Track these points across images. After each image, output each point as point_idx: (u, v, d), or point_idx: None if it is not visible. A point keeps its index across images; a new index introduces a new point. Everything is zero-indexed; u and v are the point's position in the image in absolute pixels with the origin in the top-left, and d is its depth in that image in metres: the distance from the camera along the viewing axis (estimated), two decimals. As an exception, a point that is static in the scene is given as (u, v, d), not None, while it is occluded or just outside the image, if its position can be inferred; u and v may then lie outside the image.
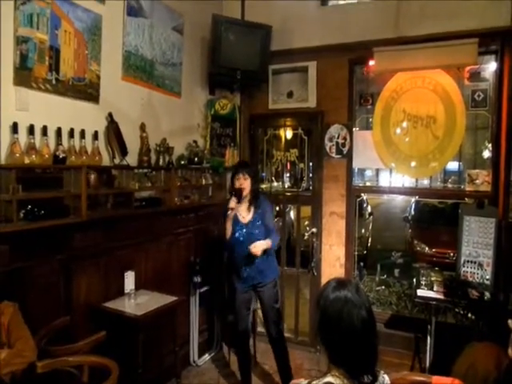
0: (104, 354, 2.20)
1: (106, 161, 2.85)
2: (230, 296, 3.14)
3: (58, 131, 2.46)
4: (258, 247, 2.83)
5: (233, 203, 2.84)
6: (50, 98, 2.48)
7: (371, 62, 3.60)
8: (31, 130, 2.31)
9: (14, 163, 2.20)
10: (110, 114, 2.86)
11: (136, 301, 2.87)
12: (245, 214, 3.03)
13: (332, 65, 3.89)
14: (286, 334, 3.67)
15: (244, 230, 2.99)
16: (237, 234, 2.97)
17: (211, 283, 3.82)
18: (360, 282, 5.06)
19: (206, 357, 3.86)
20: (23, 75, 2.30)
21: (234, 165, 3.22)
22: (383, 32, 3.57)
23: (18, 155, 2.21)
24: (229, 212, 2.87)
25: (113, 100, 2.93)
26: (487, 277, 3.09)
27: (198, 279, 3.60)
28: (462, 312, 3.24)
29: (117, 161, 2.94)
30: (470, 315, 3.25)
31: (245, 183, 2.94)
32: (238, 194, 2.88)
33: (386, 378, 1.46)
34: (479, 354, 2.22)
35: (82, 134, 2.63)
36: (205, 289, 3.75)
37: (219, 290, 3.94)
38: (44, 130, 2.38)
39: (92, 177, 2.62)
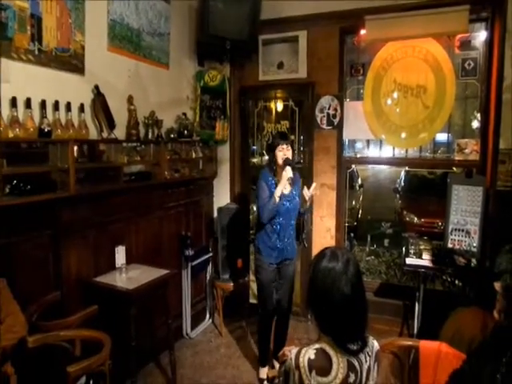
0: (96, 329, 2.21)
1: (93, 134, 2.79)
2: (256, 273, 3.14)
3: (43, 104, 2.40)
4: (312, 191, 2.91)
5: (291, 172, 2.83)
6: (33, 70, 2.39)
7: (362, 31, 3.53)
8: (14, 102, 2.24)
9: (-2, 137, 2.14)
10: (97, 86, 2.79)
11: (127, 275, 2.88)
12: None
13: (323, 34, 3.81)
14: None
15: (287, 200, 2.99)
16: (281, 204, 2.95)
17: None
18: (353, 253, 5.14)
19: (199, 329, 3.92)
20: (3, 45, 2.21)
21: (274, 136, 3.14)
22: (374, -1, 3.49)
23: (1, 129, 2.15)
24: (289, 182, 2.88)
25: (99, 71, 2.85)
26: (474, 244, 3.15)
27: (189, 252, 3.62)
28: (449, 279, 3.32)
29: (104, 134, 2.88)
30: (457, 282, 3.33)
31: (288, 153, 2.93)
32: (289, 163, 2.87)
33: (376, 343, 1.49)
34: (465, 318, 2.29)
35: (68, 106, 2.56)
36: (197, 261, 3.78)
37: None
38: (27, 103, 2.31)
39: (79, 151, 2.58)
